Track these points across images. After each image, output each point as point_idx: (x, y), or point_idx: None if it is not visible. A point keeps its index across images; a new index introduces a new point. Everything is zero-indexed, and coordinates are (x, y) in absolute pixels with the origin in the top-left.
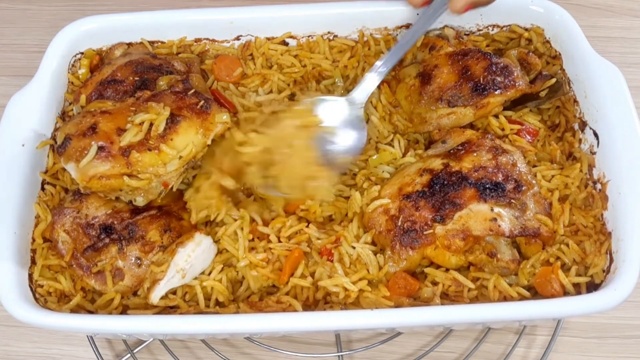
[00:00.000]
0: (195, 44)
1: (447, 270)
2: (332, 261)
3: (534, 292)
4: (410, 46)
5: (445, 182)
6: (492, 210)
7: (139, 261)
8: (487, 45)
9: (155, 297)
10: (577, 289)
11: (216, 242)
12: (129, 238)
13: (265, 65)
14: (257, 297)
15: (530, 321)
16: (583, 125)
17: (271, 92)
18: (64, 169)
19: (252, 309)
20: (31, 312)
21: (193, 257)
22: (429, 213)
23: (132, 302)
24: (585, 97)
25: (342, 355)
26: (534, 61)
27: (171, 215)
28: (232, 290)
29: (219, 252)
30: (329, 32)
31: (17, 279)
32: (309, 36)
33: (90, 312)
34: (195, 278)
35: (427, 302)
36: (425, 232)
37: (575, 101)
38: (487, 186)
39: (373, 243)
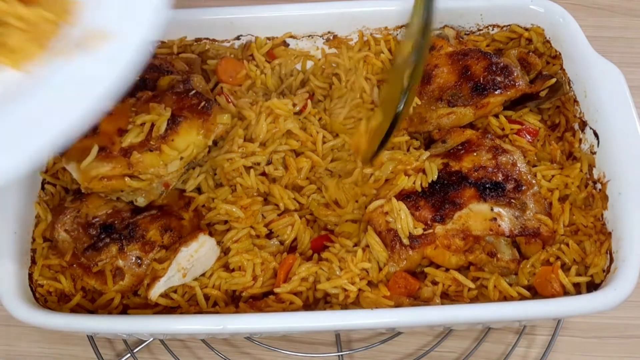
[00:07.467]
0: (195, 43)
1: (447, 270)
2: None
3: (534, 292)
4: None
5: (445, 182)
6: (492, 210)
7: (139, 261)
8: (487, 45)
9: (154, 294)
10: (577, 289)
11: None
12: (129, 238)
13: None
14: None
15: (530, 321)
16: (583, 125)
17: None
18: (64, 169)
19: (252, 309)
20: (31, 311)
21: (195, 257)
22: (429, 213)
23: (132, 301)
24: (585, 97)
25: (342, 355)
26: (534, 61)
27: (172, 215)
28: (232, 291)
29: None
30: (329, 32)
31: (17, 278)
32: (309, 36)
33: (90, 312)
34: (196, 279)
35: (427, 302)
36: (425, 232)
37: (575, 101)
38: (487, 186)
39: None
